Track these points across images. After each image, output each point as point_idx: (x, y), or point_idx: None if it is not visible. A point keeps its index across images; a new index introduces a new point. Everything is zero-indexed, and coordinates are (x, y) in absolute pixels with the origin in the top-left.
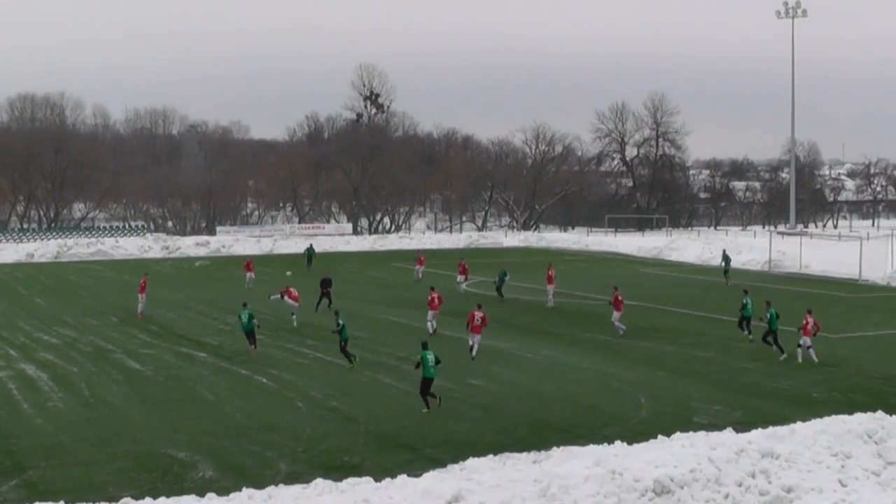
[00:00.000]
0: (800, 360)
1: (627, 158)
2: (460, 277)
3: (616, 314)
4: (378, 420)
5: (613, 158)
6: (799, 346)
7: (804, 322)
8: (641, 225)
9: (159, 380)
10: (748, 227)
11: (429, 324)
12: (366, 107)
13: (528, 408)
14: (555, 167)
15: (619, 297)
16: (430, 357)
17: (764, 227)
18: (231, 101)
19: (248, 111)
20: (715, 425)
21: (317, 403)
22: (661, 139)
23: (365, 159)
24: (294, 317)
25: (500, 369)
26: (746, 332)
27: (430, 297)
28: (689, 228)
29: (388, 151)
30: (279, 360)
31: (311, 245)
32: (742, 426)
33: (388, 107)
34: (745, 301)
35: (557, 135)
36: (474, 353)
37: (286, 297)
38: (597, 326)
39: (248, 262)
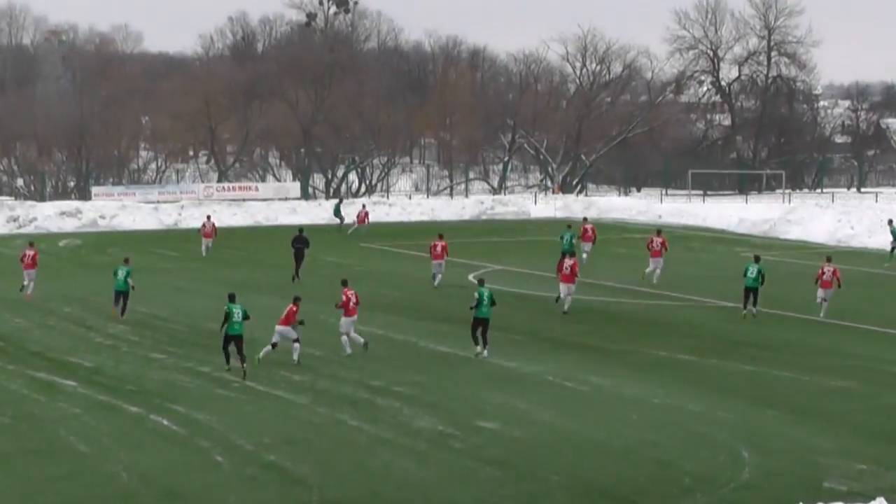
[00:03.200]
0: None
1: (723, 83)
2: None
3: None
4: (339, 483)
5: (702, 83)
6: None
7: (820, 272)
8: (744, 185)
9: (3, 421)
10: None
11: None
12: (321, 3)
13: (567, 465)
14: (611, 97)
15: None
16: (486, 293)
17: None
18: None
19: (139, 11)
20: (859, 494)
21: (245, 457)
22: (775, 53)
23: (320, 84)
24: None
25: (526, 405)
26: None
27: (432, 245)
28: (819, 191)
29: (355, 72)
30: (189, 390)
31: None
32: None
33: (356, 4)
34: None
35: (615, 47)
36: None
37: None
38: (674, 339)
39: (207, 226)
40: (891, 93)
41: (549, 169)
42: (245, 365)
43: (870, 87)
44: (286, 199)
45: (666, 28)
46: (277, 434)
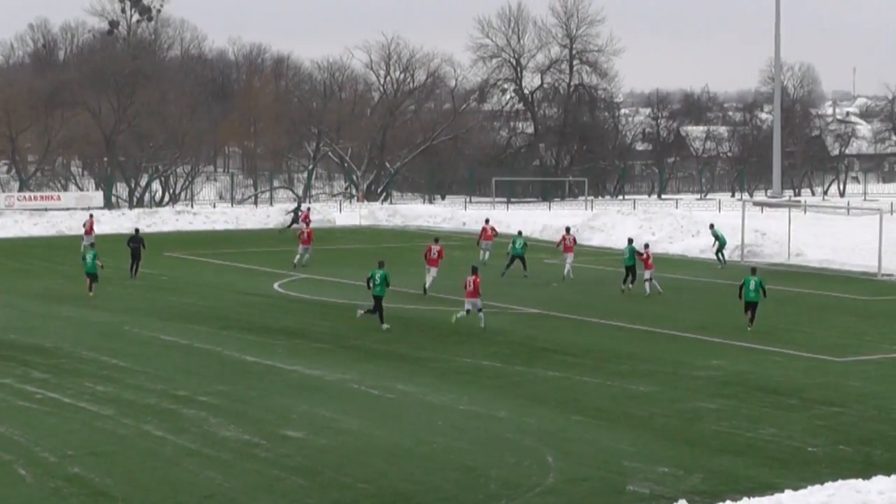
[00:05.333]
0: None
1: (526, 91)
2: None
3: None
4: (144, 495)
5: (505, 91)
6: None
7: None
8: (548, 192)
9: None
10: (709, 196)
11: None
12: (123, 11)
13: (374, 472)
14: (415, 105)
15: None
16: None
17: (734, 196)
18: None
19: None
20: (661, 496)
21: (49, 470)
22: (577, 62)
23: (123, 92)
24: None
25: (332, 414)
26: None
27: (427, 249)
28: (620, 198)
29: (158, 80)
30: None
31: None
32: (702, 497)
33: (159, 11)
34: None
35: (419, 55)
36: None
37: None
38: (479, 346)
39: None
40: (690, 101)
41: (354, 177)
42: (383, 324)
43: (670, 95)
44: (89, 208)
45: (469, 36)
46: (82, 446)
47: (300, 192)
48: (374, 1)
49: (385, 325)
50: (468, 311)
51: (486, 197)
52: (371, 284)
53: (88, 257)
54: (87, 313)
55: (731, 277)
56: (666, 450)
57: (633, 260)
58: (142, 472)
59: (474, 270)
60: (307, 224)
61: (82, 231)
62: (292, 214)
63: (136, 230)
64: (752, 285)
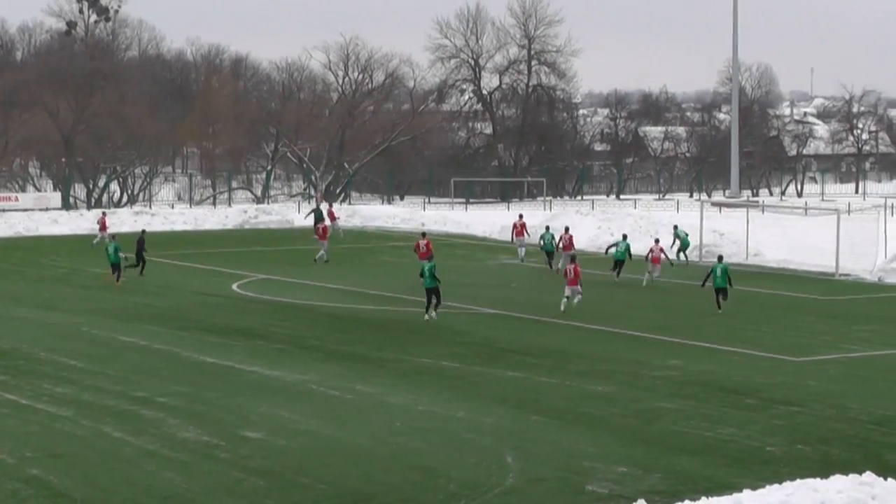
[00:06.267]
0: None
1: (485, 92)
2: None
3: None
4: (103, 496)
5: (464, 92)
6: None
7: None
8: (506, 193)
9: None
10: (667, 196)
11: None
12: (81, 11)
13: (333, 473)
14: (374, 105)
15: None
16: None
17: (692, 196)
18: None
19: None
20: (620, 496)
21: (7, 471)
22: (535, 62)
23: (81, 93)
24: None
25: (291, 415)
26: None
27: (416, 245)
28: (579, 198)
29: (116, 81)
30: None
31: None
32: (661, 497)
33: (117, 12)
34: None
35: (377, 55)
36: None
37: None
38: (439, 347)
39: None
40: (648, 101)
41: (313, 177)
42: (437, 311)
43: (628, 95)
44: (47, 209)
45: (428, 37)
46: (41, 447)
47: (258, 193)
48: (333, 1)
49: (430, 315)
50: (568, 298)
51: (444, 198)
52: (422, 276)
53: (111, 249)
54: (45, 314)
55: (689, 277)
56: (625, 450)
57: (625, 255)
58: (101, 473)
59: (573, 259)
60: (332, 219)
61: (97, 228)
62: (312, 215)
63: (143, 231)
64: (719, 272)
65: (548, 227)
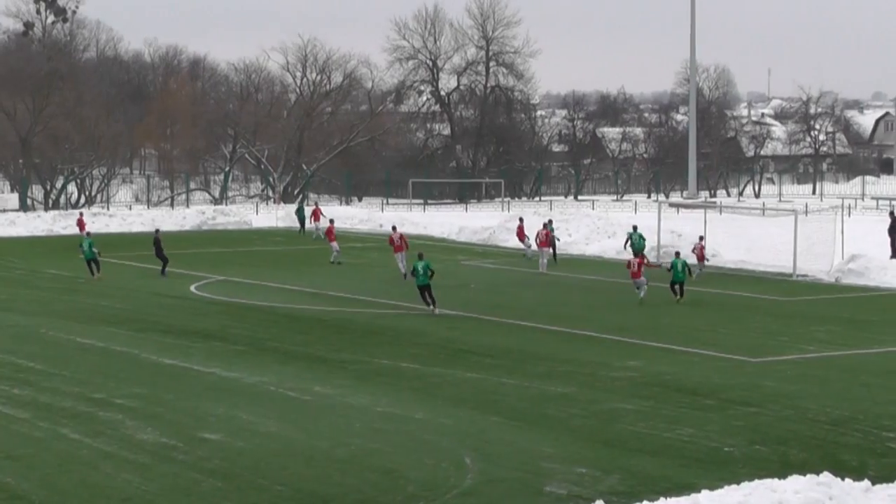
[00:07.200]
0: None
1: (443, 93)
2: None
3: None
4: (62, 499)
5: (422, 93)
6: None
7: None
8: (465, 194)
9: None
10: (625, 197)
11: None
12: (38, 12)
13: (291, 475)
14: (332, 106)
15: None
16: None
17: (650, 197)
18: None
19: None
20: (579, 497)
21: None
22: (493, 63)
23: (38, 94)
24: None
25: (249, 416)
26: None
27: (390, 239)
28: (537, 199)
29: (74, 82)
30: None
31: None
32: (619, 497)
33: (75, 12)
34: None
35: (335, 56)
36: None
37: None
38: (398, 348)
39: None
40: (606, 102)
41: (271, 179)
42: (434, 307)
43: (586, 96)
44: (4, 210)
45: (386, 38)
46: None
47: (216, 195)
48: (291, 2)
49: (436, 310)
50: (639, 288)
51: (402, 199)
52: (415, 275)
53: (85, 245)
54: (2, 316)
55: (649, 280)
56: (584, 450)
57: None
58: (59, 475)
59: (637, 253)
60: (316, 219)
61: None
62: (296, 217)
63: (157, 230)
64: (679, 266)
65: (635, 227)
